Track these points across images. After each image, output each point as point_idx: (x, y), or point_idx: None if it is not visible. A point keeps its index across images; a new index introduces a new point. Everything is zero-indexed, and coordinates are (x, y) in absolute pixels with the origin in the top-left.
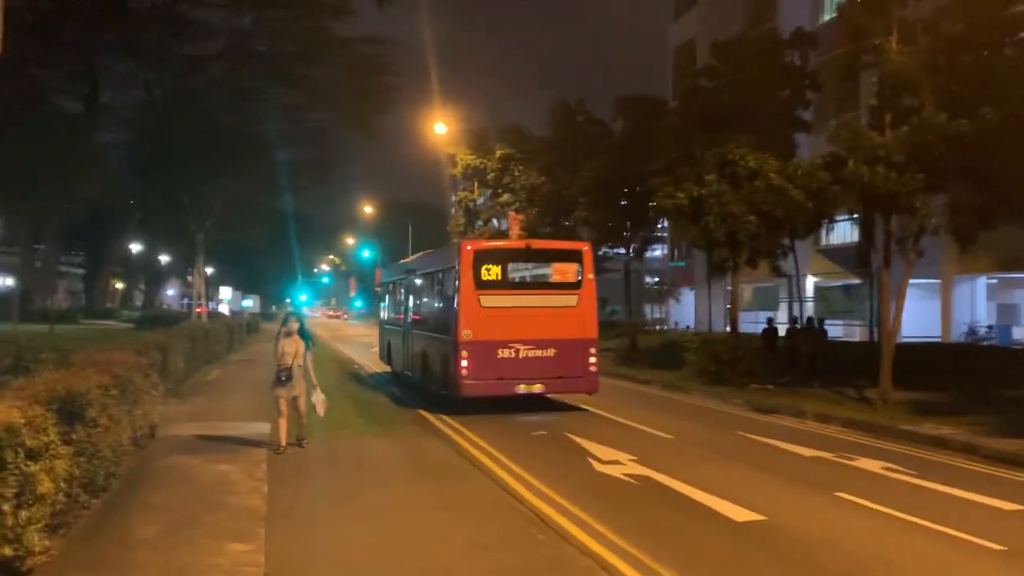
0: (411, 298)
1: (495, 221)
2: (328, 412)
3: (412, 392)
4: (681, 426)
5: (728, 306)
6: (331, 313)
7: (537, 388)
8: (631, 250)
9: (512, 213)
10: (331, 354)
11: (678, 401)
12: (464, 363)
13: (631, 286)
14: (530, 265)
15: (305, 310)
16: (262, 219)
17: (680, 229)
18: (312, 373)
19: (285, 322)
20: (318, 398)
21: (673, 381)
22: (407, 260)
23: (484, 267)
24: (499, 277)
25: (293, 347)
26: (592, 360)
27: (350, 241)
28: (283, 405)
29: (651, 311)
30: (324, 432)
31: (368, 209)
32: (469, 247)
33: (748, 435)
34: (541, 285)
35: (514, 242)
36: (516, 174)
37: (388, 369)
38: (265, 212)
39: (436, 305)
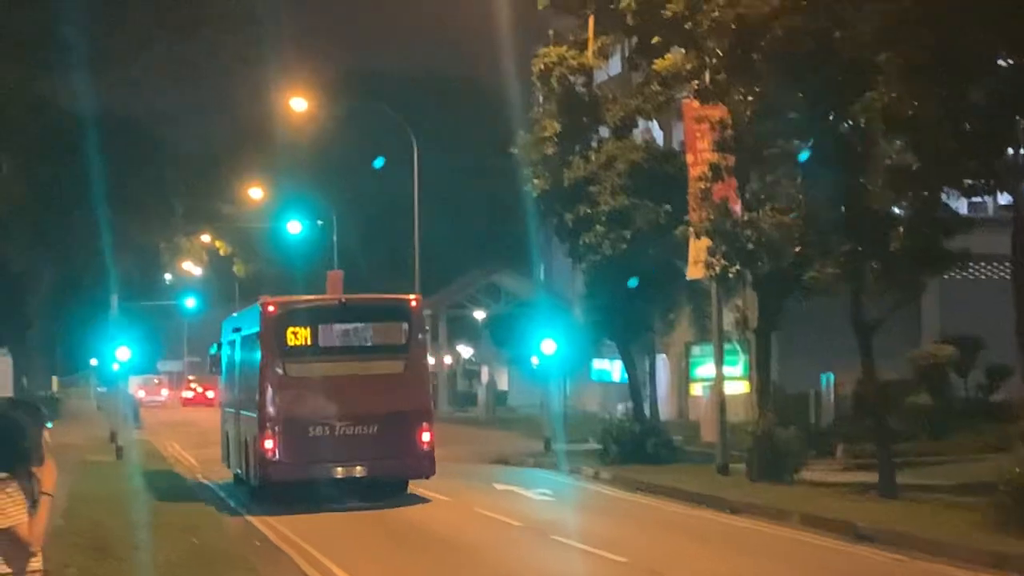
0: (232, 369)
1: (640, 122)
2: None
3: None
4: None
5: None
6: (193, 389)
7: (358, 471)
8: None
9: (331, 274)
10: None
11: None
12: (269, 443)
13: None
14: (346, 325)
15: (135, 385)
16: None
17: None
18: None
19: None
20: None
21: None
22: (236, 315)
23: (290, 330)
24: (308, 341)
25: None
26: (426, 437)
27: (255, 194)
28: None
29: None
30: None
31: (299, 104)
32: (271, 307)
33: None
34: (359, 349)
35: (325, 297)
36: None
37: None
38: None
39: (245, 377)
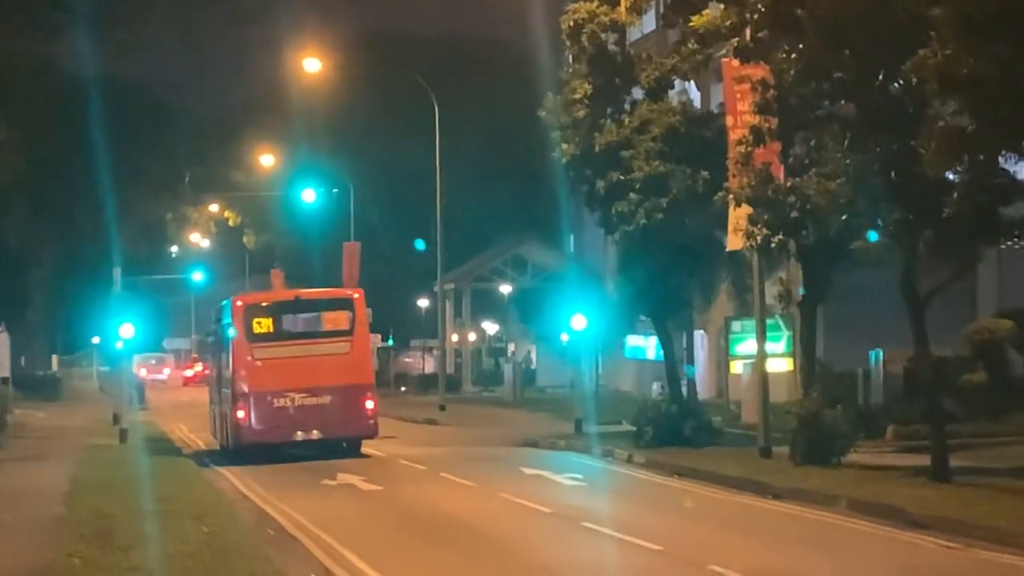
0: (214, 353)
1: (676, 83)
2: None
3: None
4: None
5: None
6: (194, 367)
7: (315, 434)
8: None
9: (347, 245)
10: None
11: None
12: (241, 413)
13: None
14: (301, 315)
15: (137, 363)
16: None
17: None
18: None
19: None
20: None
21: None
22: (217, 309)
23: (255, 320)
24: (271, 329)
25: None
26: (370, 405)
27: (267, 162)
28: None
29: None
30: None
31: (313, 65)
32: (239, 302)
33: None
34: (312, 335)
35: (283, 293)
36: None
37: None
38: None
39: (222, 360)
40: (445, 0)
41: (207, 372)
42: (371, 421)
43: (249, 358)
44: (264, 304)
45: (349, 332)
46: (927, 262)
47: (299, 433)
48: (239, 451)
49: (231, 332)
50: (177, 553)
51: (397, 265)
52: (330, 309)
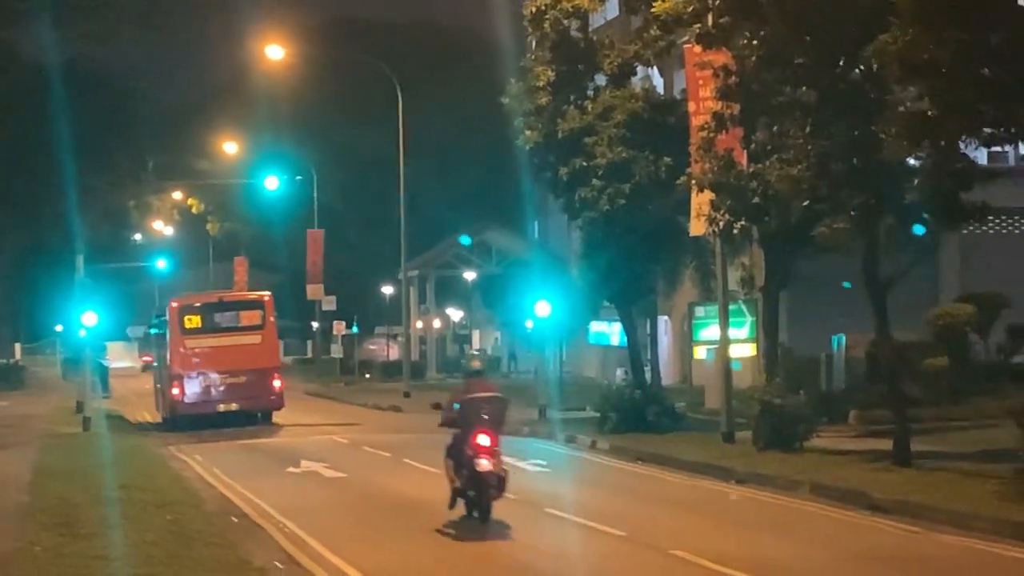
0: (157, 344)
1: (639, 69)
2: None
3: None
4: None
5: None
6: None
7: (234, 406)
8: None
9: (311, 233)
10: None
11: None
12: (176, 390)
13: None
14: (222, 313)
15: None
16: None
17: None
18: None
19: None
20: None
21: None
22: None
23: (187, 317)
24: (199, 324)
25: None
26: (277, 384)
27: (230, 149)
28: None
29: None
30: None
31: (276, 52)
32: (174, 304)
33: None
34: (232, 328)
35: (209, 295)
36: None
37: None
38: None
39: (163, 348)
40: None
41: (151, 360)
42: (277, 396)
43: (182, 348)
44: (194, 304)
45: (261, 327)
46: (889, 247)
47: (221, 406)
48: (175, 420)
49: (168, 327)
50: (140, 541)
51: (361, 252)
52: (246, 309)
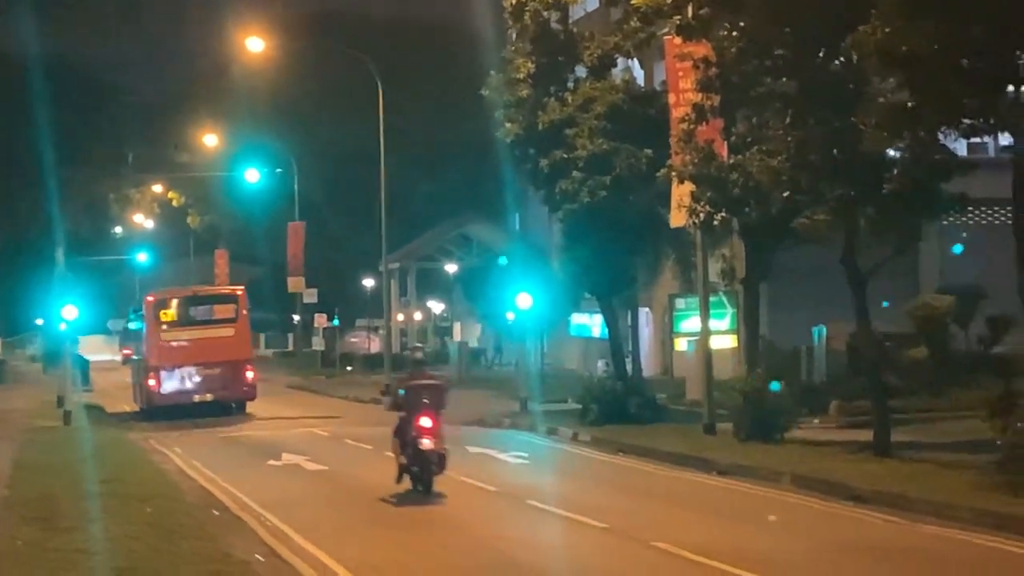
0: (135, 337)
1: (619, 61)
2: None
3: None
4: None
5: None
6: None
7: (209, 397)
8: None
9: (292, 225)
10: None
11: None
12: (152, 382)
13: None
14: (197, 307)
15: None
16: None
17: None
18: None
19: None
20: None
21: None
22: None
23: (162, 311)
24: (175, 317)
25: None
26: (249, 375)
27: (211, 142)
28: None
29: None
30: None
31: (256, 45)
32: (150, 298)
33: None
34: (206, 322)
35: (184, 290)
36: None
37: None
38: None
39: (140, 341)
40: None
41: (132, 353)
42: (250, 387)
43: (158, 340)
44: (169, 299)
45: (234, 320)
46: (869, 238)
47: (196, 396)
48: (151, 411)
49: (144, 321)
50: (121, 535)
51: (342, 244)
52: (220, 303)
